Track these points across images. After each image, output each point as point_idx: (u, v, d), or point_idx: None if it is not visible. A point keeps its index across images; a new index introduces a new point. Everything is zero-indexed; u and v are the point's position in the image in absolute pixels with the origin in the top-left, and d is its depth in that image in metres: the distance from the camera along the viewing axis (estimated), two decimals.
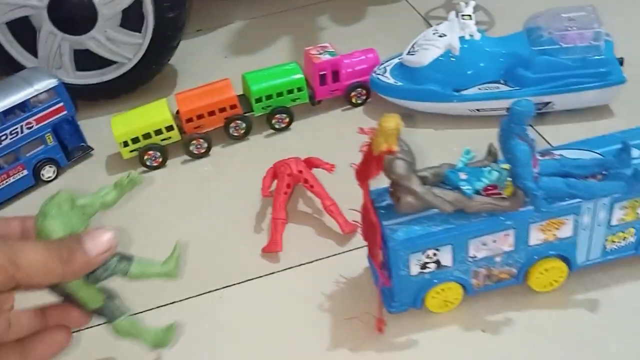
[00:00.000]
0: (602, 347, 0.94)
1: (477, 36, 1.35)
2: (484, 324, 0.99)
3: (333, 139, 1.41)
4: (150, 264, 0.73)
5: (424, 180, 0.94)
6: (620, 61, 1.34)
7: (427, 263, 0.95)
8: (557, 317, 0.99)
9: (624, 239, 1.00)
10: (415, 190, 0.88)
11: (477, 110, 1.38)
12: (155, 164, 1.40)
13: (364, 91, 1.49)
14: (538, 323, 0.99)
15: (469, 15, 1.36)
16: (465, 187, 0.91)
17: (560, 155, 1.00)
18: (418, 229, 0.93)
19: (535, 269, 0.99)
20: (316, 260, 1.14)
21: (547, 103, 1.35)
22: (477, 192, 0.93)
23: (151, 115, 1.40)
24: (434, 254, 0.94)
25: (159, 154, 1.39)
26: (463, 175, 0.93)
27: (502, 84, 1.36)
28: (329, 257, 1.14)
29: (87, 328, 0.79)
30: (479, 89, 1.37)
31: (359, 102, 1.50)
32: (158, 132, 1.38)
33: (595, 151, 1.00)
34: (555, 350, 0.95)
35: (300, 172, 1.19)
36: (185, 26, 1.61)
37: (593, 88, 1.32)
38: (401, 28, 1.77)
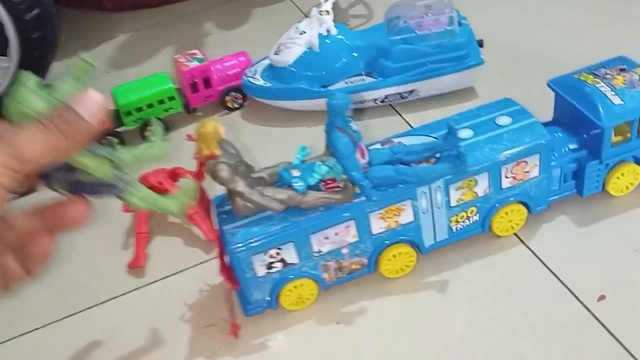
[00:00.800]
0: (450, 325, 0.96)
1: (334, 31, 1.36)
2: (338, 317, 1.01)
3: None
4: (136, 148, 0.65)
5: (260, 181, 0.94)
6: (480, 43, 1.37)
7: (273, 263, 0.96)
8: (409, 300, 1.01)
9: (468, 218, 1.02)
10: (241, 192, 0.88)
11: None
12: None
13: (239, 95, 1.48)
14: (391, 308, 1.00)
15: (327, 11, 1.37)
16: (297, 184, 0.92)
17: (400, 142, 1.02)
18: (257, 230, 0.93)
19: (384, 256, 1.01)
20: (182, 270, 1.13)
21: (412, 91, 1.37)
22: (315, 187, 0.94)
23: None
24: (277, 253, 0.95)
25: None
26: (296, 172, 0.93)
27: (368, 75, 1.38)
28: (194, 266, 1.14)
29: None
30: (346, 82, 1.38)
31: (235, 106, 1.49)
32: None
33: (432, 135, 1.02)
34: (405, 333, 0.97)
35: (160, 183, 1.17)
36: (56, 45, 1.58)
37: (453, 72, 1.35)
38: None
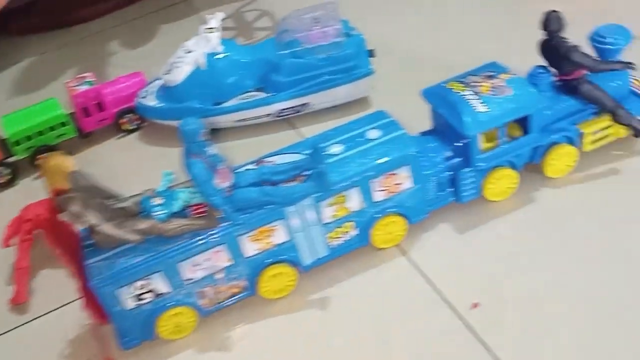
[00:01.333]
0: (331, 342, 0.96)
1: (219, 49, 1.34)
2: (220, 343, 0.99)
3: (107, 170, 1.37)
4: None
5: (125, 211, 0.92)
6: (371, 53, 1.37)
7: (142, 294, 0.93)
8: (292, 320, 1.00)
9: (345, 233, 1.02)
10: (93, 225, 0.86)
11: (243, 120, 1.38)
12: None
13: (136, 116, 1.46)
14: (274, 330, 0.99)
15: (212, 29, 1.35)
16: (157, 213, 0.90)
17: (273, 162, 1.01)
18: (120, 263, 0.91)
19: (263, 277, 0.99)
20: (64, 305, 1.10)
21: (305, 104, 1.36)
22: (182, 214, 0.92)
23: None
24: (145, 284, 0.93)
25: None
26: (158, 200, 0.92)
27: (260, 91, 1.37)
28: (77, 299, 1.10)
29: None
30: (239, 99, 1.37)
31: (132, 127, 1.47)
32: None
33: (303, 153, 1.01)
34: (288, 353, 0.96)
35: (39, 215, 1.14)
36: None
37: (343, 83, 1.34)
38: None
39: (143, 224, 0.90)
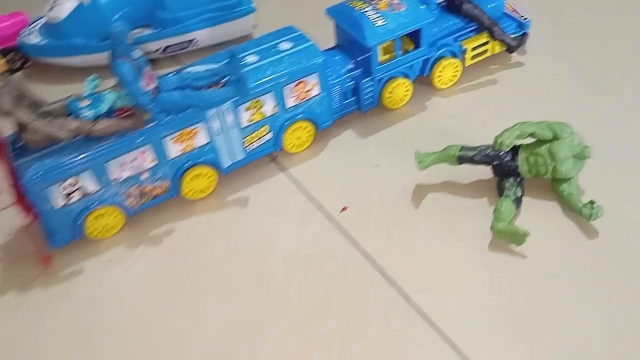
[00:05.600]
0: (250, 235, 1.06)
1: None
2: (148, 240, 1.06)
3: None
4: None
5: (49, 114, 0.96)
6: None
7: (70, 193, 0.99)
8: (211, 219, 1.09)
9: (261, 137, 1.12)
10: (25, 122, 0.90)
11: None
12: None
13: (19, 55, 1.43)
14: (194, 227, 1.08)
15: None
16: (85, 113, 0.95)
17: (191, 70, 1.08)
18: (50, 161, 0.95)
19: (185, 178, 1.07)
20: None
21: (191, 40, 1.41)
22: (108, 116, 0.98)
23: None
24: (74, 183, 0.98)
25: None
26: (85, 102, 0.96)
27: (146, 28, 1.39)
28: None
29: None
30: None
31: (16, 67, 1.44)
32: None
33: (220, 63, 1.09)
34: (208, 247, 1.05)
35: None
36: None
37: (227, 20, 1.40)
38: None
39: (72, 124, 0.94)
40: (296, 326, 0.92)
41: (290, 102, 1.10)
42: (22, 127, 0.92)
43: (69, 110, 0.97)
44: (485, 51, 1.25)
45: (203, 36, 1.41)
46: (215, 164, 1.09)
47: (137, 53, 0.96)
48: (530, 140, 1.00)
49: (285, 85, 1.07)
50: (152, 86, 0.98)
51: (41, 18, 1.41)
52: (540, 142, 0.98)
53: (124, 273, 1.02)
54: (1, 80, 0.88)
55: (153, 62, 1.38)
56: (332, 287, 0.96)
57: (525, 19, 1.27)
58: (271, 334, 0.92)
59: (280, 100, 1.08)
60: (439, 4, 1.22)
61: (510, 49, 1.25)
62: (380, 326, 0.91)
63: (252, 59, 1.09)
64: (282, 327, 0.92)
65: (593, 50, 1.32)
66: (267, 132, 1.11)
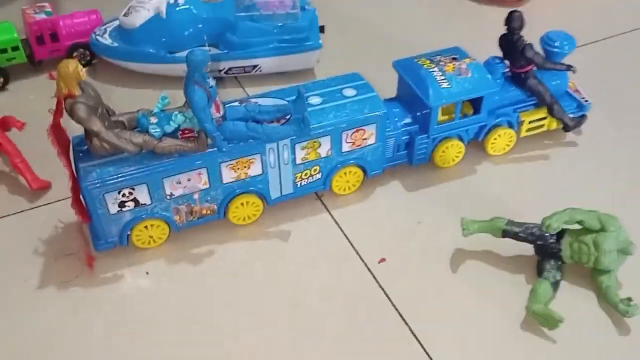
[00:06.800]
0: (289, 269, 1.09)
1: (181, 0, 1.40)
2: (188, 257, 1.09)
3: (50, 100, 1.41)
4: None
5: (118, 125, 1.00)
6: (321, 29, 1.48)
7: (125, 202, 1.02)
8: (252, 246, 1.12)
9: (311, 175, 1.14)
10: (97, 131, 0.94)
11: None
12: None
13: (87, 52, 1.49)
14: (234, 252, 1.11)
15: None
16: (154, 130, 0.99)
17: (256, 102, 1.11)
18: (111, 170, 0.99)
19: (233, 204, 1.11)
20: (56, 201, 1.17)
21: (255, 66, 1.45)
22: (172, 136, 1.01)
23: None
24: (130, 193, 1.02)
25: None
26: (154, 119, 1.01)
27: (214, 47, 1.43)
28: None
29: None
30: None
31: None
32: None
33: (285, 99, 1.12)
34: (246, 273, 1.08)
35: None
36: None
37: (293, 52, 1.44)
38: None
39: (138, 138, 0.98)
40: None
41: (345, 147, 1.13)
42: (90, 134, 0.96)
43: (138, 124, 1.01)
44: (542, 125, 1.27)
45: (267, 64, 1.45)
46: (263, 195, 1.12)
47: (211, 81, 0.99)
48: (577, 226, 1.01)
49: (344, 131, 1.10)
50: (218, 115, 1.01)
51: (115, 20, 1.46)
52: (587, 230, 0.99)
53: (160, 287, 1.05)
54: (79, 89, 0.92)
55: (216, 80, 1.43)
56: (363, 331, 0.99)
57: (587, 101, 1.28)
58: None
59: (337, 144, 1.11)
60: (504, 73, 1.24)
61: (567, 128, 1.27)
62: None
63: (315, 100, 1.12)
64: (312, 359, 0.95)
65: None
66: (318, 171, 1.14)
